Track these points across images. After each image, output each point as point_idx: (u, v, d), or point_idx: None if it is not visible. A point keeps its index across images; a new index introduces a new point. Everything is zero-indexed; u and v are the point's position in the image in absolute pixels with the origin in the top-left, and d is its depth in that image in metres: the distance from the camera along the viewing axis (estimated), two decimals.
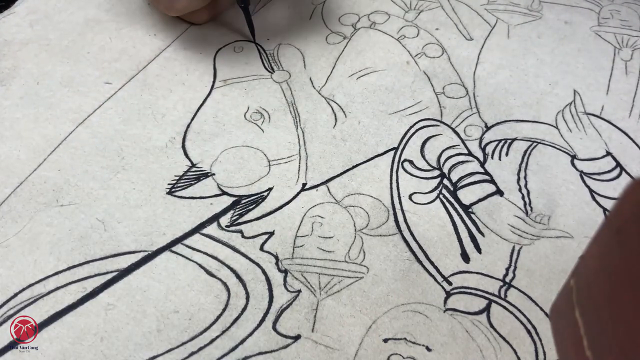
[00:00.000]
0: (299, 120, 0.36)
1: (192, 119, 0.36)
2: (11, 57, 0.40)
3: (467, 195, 0.32)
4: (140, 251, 0.30)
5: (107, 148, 0.35)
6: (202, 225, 0.31)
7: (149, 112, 0.37)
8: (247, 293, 0.28)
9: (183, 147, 0.35)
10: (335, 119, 0.36)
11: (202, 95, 0.38)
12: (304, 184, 0.33)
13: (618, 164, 0.33)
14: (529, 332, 0.27)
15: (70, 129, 0.36)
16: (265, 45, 0.41)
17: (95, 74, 0.39)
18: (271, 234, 0.31)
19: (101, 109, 0.37)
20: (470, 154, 0.34)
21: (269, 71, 0.39)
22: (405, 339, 0.27)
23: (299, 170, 0.33)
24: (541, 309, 0.27)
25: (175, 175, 0.33)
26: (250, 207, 0.32)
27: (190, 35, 0.42)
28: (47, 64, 0.40)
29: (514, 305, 0.28)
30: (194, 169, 0.33)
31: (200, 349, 0.27)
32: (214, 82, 0.39)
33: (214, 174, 0.33)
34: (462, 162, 0.33)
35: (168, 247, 0.30)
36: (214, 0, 0.40)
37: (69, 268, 0.29)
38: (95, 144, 0.35)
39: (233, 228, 0.31)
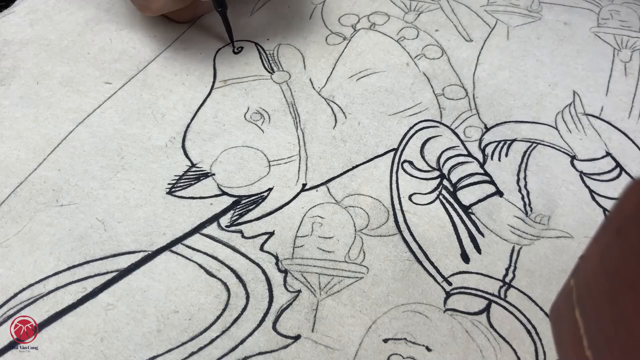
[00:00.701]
0: (299, 121, 0.36)
1: (192, 118, 0.36)
2: (11, 57, 0.40)
3: (466, 196, 0.32)
4: (140, 251, 0.30)
5: (107, 147, 0.35)
6: (202, 225, 0.31)
7: (149, 111, 0.37)
8: (247, 293, 0.28)
9: (183, 146, 0.35)
10: (335, 120, 0.36)
11: (202, 95, 0.38)
12: (304, 185, 0.33)
13: (618, 165, 0.33)
14: (529, 332, 0.27)
15: (70, 128, 0.36)
16: (265, 45, 0.41)
17: (95, 74, 0.39)
18: (271, 234, 0.31)
19: (101, 108, 0.37)
20: (470, 154, 0.34)
21: (269, 72, 0.39)
22: (405, 339, 0.27)
23: (299, 171, 0.33)
24: (541, 309, 0.27)
25: (175, 175, 0.33)
26: (250, 208, 0.32)
27: (190, 36, 0.42)
28: (47, 64, 0.40)
29: (513, 306, 0.28)
30: (194, 169, 0.34)
31: (200, 349, 0.27)
32: (213, 82, 0.39)
33: (214, 174, 0.33)
34: (462, 163, 0.33)
35: (168, 247, 0.30)
36: (193, 3, 0.40)
37: (69, 268, 0.29)
38: (95, 144, 0.35)
39: (233, 228, 0.31)
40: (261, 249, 0.30)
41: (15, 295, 0.28)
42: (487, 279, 0.29)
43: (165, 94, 0.38)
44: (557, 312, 0.21)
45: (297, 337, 0.27)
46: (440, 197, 0.32)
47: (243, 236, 0.30)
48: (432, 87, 0.38)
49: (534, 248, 0.30)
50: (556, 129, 0.35)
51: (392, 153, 0.34)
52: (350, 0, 0.45)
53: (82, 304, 0.28)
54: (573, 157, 0.34)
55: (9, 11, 0.44)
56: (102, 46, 0.41)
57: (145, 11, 0.39)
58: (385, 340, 0.27)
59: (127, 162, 0.34)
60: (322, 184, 0.33)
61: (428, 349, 0.26)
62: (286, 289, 0.28)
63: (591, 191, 0.32)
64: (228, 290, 0.28)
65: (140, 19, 0.43)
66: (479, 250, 0.30)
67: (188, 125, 0.36)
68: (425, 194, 0.32)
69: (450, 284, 0.29)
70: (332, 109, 0.37)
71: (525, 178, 0.33)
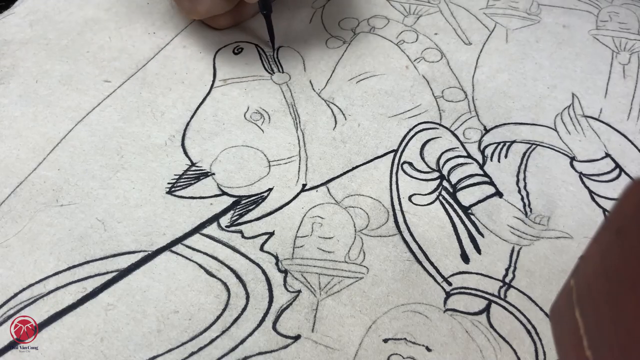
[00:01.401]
0: (299, 122, 0.36)
1: (192, 117, 0.36)
2: (10, 56, 0.40)
3: (466, 197, 0.32)
4: (140, 251, 0.30)
5: (106, 146, 0.35)
6: (202, 225, 0.31)
7: (148, 109, 0.37)
8: (247, 293, 0.28)
9: (182, 145, 0.35)
10: (335, 121, 0.36)
11: (202, 93, 0.38)
12: (304, 185, 0.33)
13: (617, 165, 0.33)
14: (529, 332, 0.27)
15: (70, 127, 0.36)
16: (265, 47, 0.41)
17: (95, 72, 0.39)
18: (271, 234, 0.31)
19: (100, 106, 0.37)
20: (469, 156, 0.34)
21: (269, 72, 0.39)
22: (405, 339, 0.27)
23: (299, 171, 0.34)
24: (541, 309, 0.28)
25: (175, 175, 0.33)
26: (250, 208, 0.32)
27: (190, 34, 0.42)
28: (46, 63, 0.40)
29: (513, 306, 0.28)
30: (193, 168, 0.34)
31: (200, 349, 0.27)
32: (213, 81, 0.39)
33: (213, 174, 0.33)
34: (462, 164, 0.34)
35: (168, 247, 0.30)
36: (238, 7, 0.40)
37: (69, 268, 0.29)
38: (95, 142, 0.35)
39: (233, 228, 0.31)
40: (261, 249, 0.30)
41: (15, 295, 0.28)
42: (487, 279, 0.29)
43: (164, 92, 0.38)
44: (557, 312, 0.21)
45: (297, 337, 0.27)
46: (440, 198, 0.32)
47: (243, 236, 0.30)
48: (431, 89, 0.38)
49: (534, 248, 0.30)
50: (555, 130, 0.35)
51: (392, 154, 0.34)
52: (350, 4, 0.45)
53: (82, 304, 0.28)
54: (572, 158, 0.34)
55: (9, 12, 0.44)
56: (101, 45, 0.41)
57: (192, 14, 0.39)
58: (385, 340, 0.27)
59: (126, 161, 0.34)
60: (322, 184, 0.33)
61: (428, 349, 0.26)
62: (286, 289, 0.29)
63: (591, 192, 0.32)
64: (228, 290, 0.28)
65: (140, 17, 0.43)
66: (478, 251, 0.30)
67: (187, 124, 0.36)
68: (425, 194, 0.32)
69: (450, 284, 0.29)
70: (332, 111, 0.37)
71: (524, 179, 0.33)
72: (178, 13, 0.44)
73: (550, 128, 0.36)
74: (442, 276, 0.29)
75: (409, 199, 0.32)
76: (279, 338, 0.27)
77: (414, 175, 0.33)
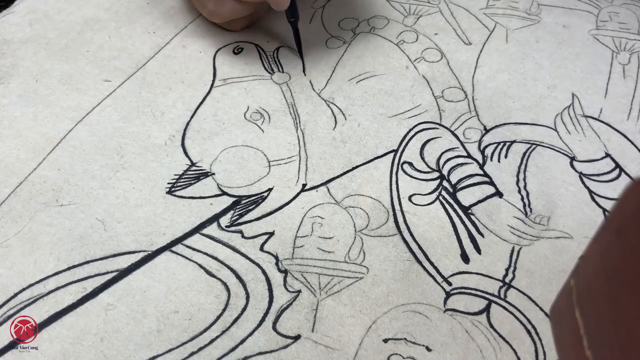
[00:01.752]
0: (299, 122, 0.36)
1: (192, 117, 0.36)
2: (10, 56, 0.40)
3: (466, 197, 0.32)
4: (140, 251, 0.30)
5: (106, 146, 0.35)
6: (202, 225, 0.31)
7: (148, 109, 0.37)
8: (247, 293, 0.28)
9: (182, 145, 0.35)
10: (335, 121, 0.36)
11: (202, 93, 0.38)
12: (304, 185, 0.33)
13: (617, 165, 0.33)
14: (529, 332, 0.27)
15: (70, 127, 0.36)
16: (265, 47, 0.41)
17: (94, 72, 0.39)
18: (271, 234, 0.31)
19: (100, 106, 0.37)
20: (469, 156, 0.34)
21: (269, 72, 0.39)
22: (405, 339, 0.27)
23: (299, 171, 0.34)
24: (541, 309, 0.28)
25: (175, 174, 0.33)
26: (250, 208, 0.32)
27: (190, 34, 0.42)
28: (46, 62, 0.40)
29: (513, 306, 0.28)
30: (193, 168, 0.34)
31: (200, 349, 0.27)
32: (213, 80, 0.39)
33: (213, 174, 0.33)
34: (462, 164, 0.34)
35: (168, 247, 0.30)
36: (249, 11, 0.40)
37: (69, 268, 0.29)
38: (95, 142, 0.35)
39: (233, 228, 0.31)
40: (261, 249, 0.30)
41: (15, 295, 0.28)
42: (487, 279, 0.29)
43: (164, 91, 0.38)
44: (557, 312, 0.21)
45: (297, 337, 0.27)
46: (440, 198, 0.32)
47: (243, 236, 0.30)
48: (431, 89, 0.38)
49: (534, 248, 0.30)
50: (555, 130, 0.35)
51: (392, 154, 0.34)
52: (350, 4, 0.45)
53: (82, 304, 0.28)
54: (572, 158, 0.34)
55: (9, 11, 0.44)
56: (101, 44, 0.41)
57: (214, 18, 0.40)
58: (385, 340, 0.27)
59: (126, 161, 0.34)
60: (322, 184, 0.33)
61: (428, 349, 0.26)
62: (286, 289, 0.29)
63: (591, 192, 0.32)
64: (228, 290, 0.28)
65: (140, 16, 0.43)
66: (478, 251, 0.30)
67: (187, 124, 0.36)
68: (425, 194, 0.32)
69: (450, 284, 0.29)
70: (332, 111, 0.37)
71: (524, 179, 0.33)
72: (178, 12, 0.44)
73: (550, 128, 0.36)
74: (442, 276, 0.29)
75: (409, 199, 0.32)
76: (279, 338, 0.27)
77: (414, 175, 0.33)
